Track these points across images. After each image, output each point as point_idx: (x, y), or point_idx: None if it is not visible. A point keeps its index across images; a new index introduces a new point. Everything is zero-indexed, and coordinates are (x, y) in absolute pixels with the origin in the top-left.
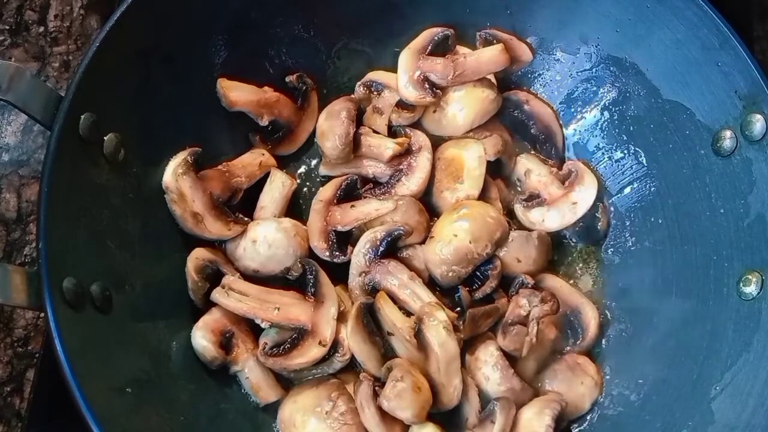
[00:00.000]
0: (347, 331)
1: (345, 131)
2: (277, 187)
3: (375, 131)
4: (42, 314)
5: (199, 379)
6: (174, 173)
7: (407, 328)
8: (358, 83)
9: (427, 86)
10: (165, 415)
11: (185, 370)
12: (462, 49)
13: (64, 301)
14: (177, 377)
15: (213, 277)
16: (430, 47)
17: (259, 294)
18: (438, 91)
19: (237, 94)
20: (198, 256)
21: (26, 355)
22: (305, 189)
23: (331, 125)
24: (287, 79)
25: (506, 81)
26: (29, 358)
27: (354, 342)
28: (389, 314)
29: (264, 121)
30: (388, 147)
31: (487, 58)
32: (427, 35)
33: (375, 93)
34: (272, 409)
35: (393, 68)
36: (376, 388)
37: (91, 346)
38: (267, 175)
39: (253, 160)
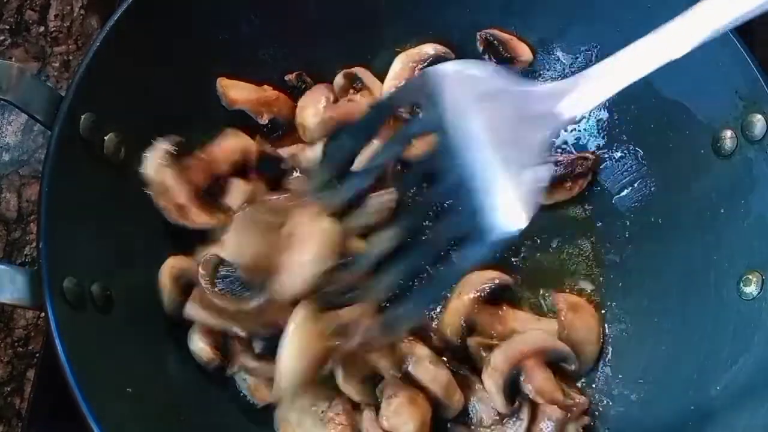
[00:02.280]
0: (339, 382)
1: (324, 96)
2: (237, 194)
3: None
4: (42, 314)
5: (199, 379)
6: (155, 166)
7: (392, 377)
8: (342, 72)
9: None
10: (165, 414)
11: (186, 371)
12: None
13: (65, 301)
14: (177, 377)
15: (187, 288)
16: (427, 62)
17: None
18: None
19: (236, 92)
20: (174, 264)
21: (26, 355)
22: None
23: (309, 98)
24: (286, 78)
25: None
26: (29, 358)
27: (347, 390)
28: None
29: (264, 120)
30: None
31: None
32: (427, 49)
33: (354, 89)
34: (273, 409)
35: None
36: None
37: (91, 346)
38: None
39: (234, 146)
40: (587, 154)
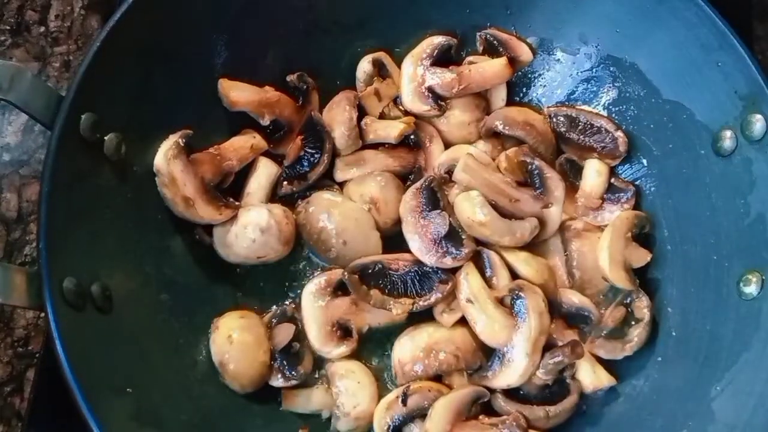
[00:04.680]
0: None
1: (349, 117)
2: (264, 173)
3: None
4: (42, 314)
5: (200, 380)
6: (165, 156)
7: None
8: (368, 57)
9: (431, 99)
10: (165, 415)
11: (186, 370)
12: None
13: (64, 301)
14: (177, 377)
15: None
16: (434, 56)
17: None
18: (443, 103)
19: (238, 94)
20: None
21: (26, 355)
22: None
23: (333, 116)
24: (288, 79)
25: (507, 81)
26: (29, 358)
27: None
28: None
29: (265, 121)
30: (395, 127)
31: (492, 72)
32: (430, 44)
33: (380, 77)
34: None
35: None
36: None
37: (91, 346)
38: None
39: (244, 143)
40: None
